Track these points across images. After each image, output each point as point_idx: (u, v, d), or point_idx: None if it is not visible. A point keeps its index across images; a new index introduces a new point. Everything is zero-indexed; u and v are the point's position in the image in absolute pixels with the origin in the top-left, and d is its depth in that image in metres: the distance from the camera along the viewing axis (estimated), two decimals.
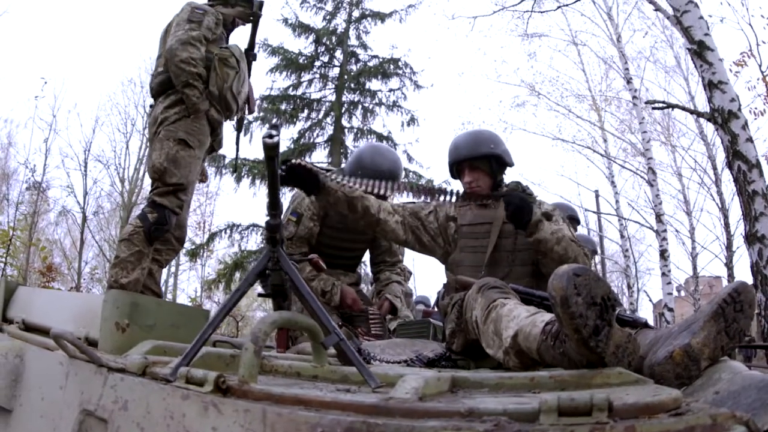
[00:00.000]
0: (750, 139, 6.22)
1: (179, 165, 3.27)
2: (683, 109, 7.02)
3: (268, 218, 1.35)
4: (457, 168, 3.08)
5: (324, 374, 1.48)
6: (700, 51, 6.57)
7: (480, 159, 2.98)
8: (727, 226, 15.36)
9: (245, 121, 4.13)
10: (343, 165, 4.03)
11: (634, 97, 13.49)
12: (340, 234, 3.79)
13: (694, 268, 16.78)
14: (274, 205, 1.36)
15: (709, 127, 15.83)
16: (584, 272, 1.39)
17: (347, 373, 1.44)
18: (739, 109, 6.31)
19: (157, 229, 3.24)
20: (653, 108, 7.11)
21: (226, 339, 3.95)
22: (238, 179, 14.13)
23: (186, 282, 25.29)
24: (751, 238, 5.86)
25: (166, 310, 1.94)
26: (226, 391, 1.21)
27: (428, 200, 2.80)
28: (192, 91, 3.28)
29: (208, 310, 2.43)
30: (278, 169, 1.26)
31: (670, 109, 6.86)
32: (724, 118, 6.26)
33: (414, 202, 3.10)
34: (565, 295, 1.34)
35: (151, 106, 3.57)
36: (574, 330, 1.36)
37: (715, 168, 16.00)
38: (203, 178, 3.94)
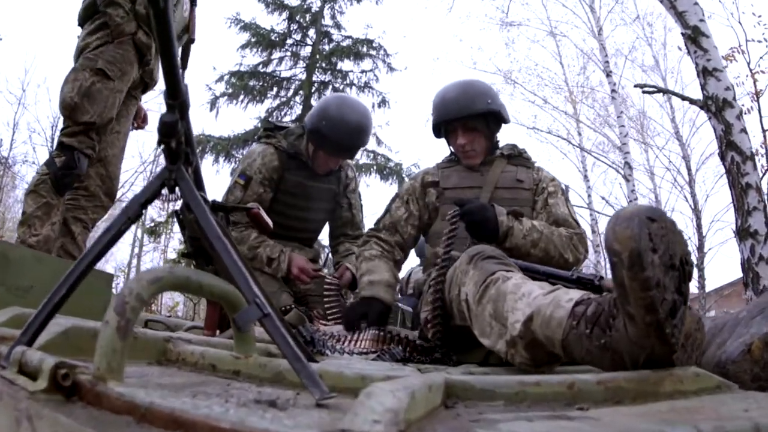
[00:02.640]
0: (744, 130, 5.92)
1: (93, 100, 2.75)
2: (675, 94, 6.59)
3: (164, 113, 0.83)
4: (446, 128, 2.59)
5: (249, 369, 0.98)
6: (694, 37, 6.27)
7: (476, 117, 2.50)
8: (699, 227, 15.15)
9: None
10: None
11: (613, 91, 13.18)
12: (297, 202, 3.25)
13: None
14: (171, 88, 0.83)
15: (684, 128, 15.70)
16: (660, 216, 0.93)
17: (283, 370, 0.94)
18: (734, 99, 6.02)
19: (66, 175, 2.72)
20: (644, 92, 6.71)
21: (160, 318, 3.40)
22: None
23: (150, 263, 24.38)
24: (742, 233, 5.51)
25: (49, 268, 1.42)
26: (71, 390, 0.71)
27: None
28: (115, 10, 2.79)
29: (112, 273, 1.90)
30: (171, 15, 0.73)
31: (662, 94, 6.51)
32: (718, 106, 5.95)
33: (389, 210, 2.69)
34: (638, 250, 0.88)
35: (78, 38, 3.01)
36: (646, 308, 0.90)
37: (689, 168, 15.84)
38: (141, 123, 3.41)
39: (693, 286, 18.49)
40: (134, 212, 0.84)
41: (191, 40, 3.19)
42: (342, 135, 3.03)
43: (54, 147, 2.85)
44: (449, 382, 0.87)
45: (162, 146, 0.82)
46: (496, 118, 2.57)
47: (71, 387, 0.72)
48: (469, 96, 2.53)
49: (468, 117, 2.50)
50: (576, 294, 1.21)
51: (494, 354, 1.85)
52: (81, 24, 2.94)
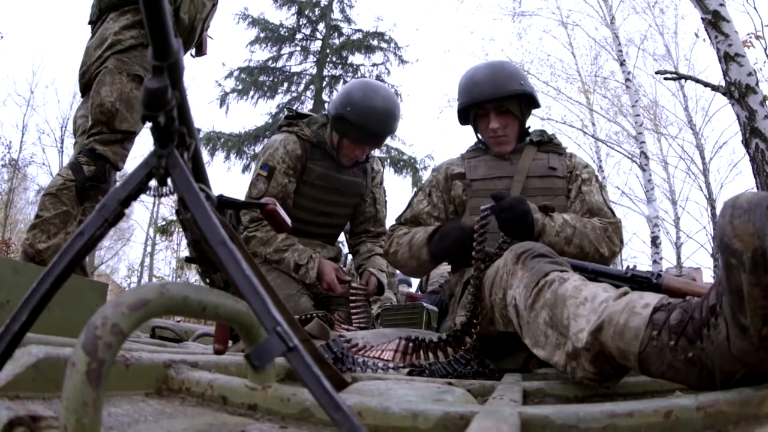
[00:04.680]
0: None
1: (132, 107, 2.59)
2: (697, 80, 6.36)
3: (149, 78, 0.61)
4: (476, 112, 2.41)
5: (268, 404, 0.79)
6: (715, 21, 6.11)
7: (509, 99, 2.33)
8: (714, 216, 14.93)
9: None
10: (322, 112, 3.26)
11: (627, 80, 12.91)
12: (321, 194, 3.06)
13: (678, 257, 16.41)
14: (158, 44, 0.60)
15: (698, 117, 15.44)
16: None
17: (310, 406, 0.75)
18: (757, 84, 5.84)
19: (93, 186, 2.55)
20: (665, 78, 6.49)
21: (169, 325, 3.18)
22: None
23: (162, 262, 24.15)
24: None
25: (29, 279, 1.22)
26: None
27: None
28: None
29: (106, 284, 1.70)
30: None
31: (683, 80, 6.27)
32: (741, 92, 5.79)
33: (411, 205, 2.48)
34: (762, 249, 0.72)
35: (90, 23, 2.81)
36: (765, 318, 0.75)
37: (703, 158, 15.61)
38: None
39: (710, 277, 18.30)
40: (113, 213, 0.63)
41: (203, 54, 3.05)
42: (368, 121, 2.89)
43: (80, 150, 2.65)
44: (525, 419, 0.69)
45: (148, 123, 0.62)
46: (528, 101, 2.39)
47: None
48: (502, 76, 2.36)
49: (502, 99, 2.32)
50: (652, 298, 1.02)
51: (534, 358, 1.66)
52: (104, 9, 2.73)
